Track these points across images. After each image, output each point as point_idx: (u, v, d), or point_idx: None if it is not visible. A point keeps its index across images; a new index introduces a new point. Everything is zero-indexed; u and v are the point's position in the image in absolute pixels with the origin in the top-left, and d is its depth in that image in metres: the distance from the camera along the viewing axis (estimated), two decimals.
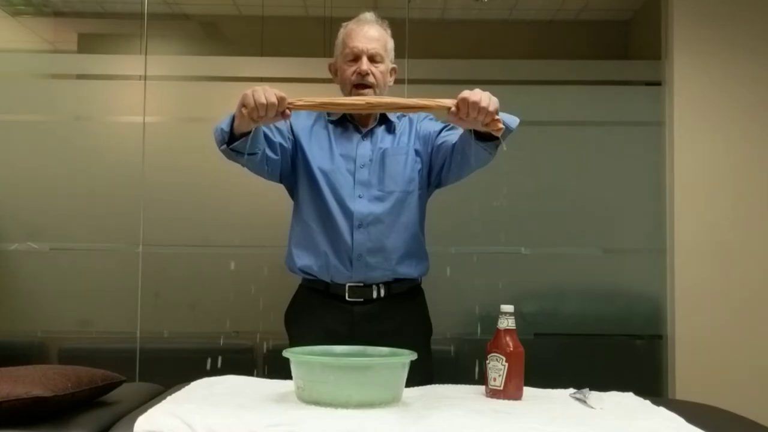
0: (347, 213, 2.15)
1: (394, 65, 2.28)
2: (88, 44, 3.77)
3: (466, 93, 1.82)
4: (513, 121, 2.00)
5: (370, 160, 2.19)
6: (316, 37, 3.51)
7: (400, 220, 2.17)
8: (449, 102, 1.87)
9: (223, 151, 2.02)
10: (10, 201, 3.34)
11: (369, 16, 2.22)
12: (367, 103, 1.93)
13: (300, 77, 3.38)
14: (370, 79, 2.16)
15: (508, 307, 1.81)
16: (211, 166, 3.36)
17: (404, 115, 2.28)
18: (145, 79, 3.38)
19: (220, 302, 3.31)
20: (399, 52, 3.38)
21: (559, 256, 3.36)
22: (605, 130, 3.43)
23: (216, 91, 3.47)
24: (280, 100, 1.82)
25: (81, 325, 3.34)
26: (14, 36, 3.79)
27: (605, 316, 3.38)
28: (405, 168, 2.21)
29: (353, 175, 2.18)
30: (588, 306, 3.39)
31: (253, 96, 1.82)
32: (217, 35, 3.87)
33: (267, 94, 1.81)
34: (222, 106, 3.42)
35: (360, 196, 2.16)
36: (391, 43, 2.25)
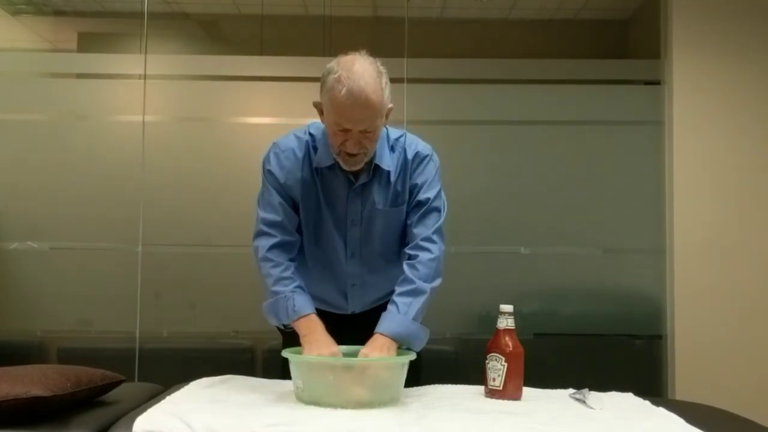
0: (339, 274, 2.04)
1: (390, 105, 1.89)
2: (88, 43, 3.78)
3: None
4: (419, 343, 1.87)
5: (361, 217, 2.00)
6: (315, 37, 3.51)
7: (396, 272, 1.96)
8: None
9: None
10: (10, 201, 3.35)
11: (360, 78, 1.78)
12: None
13: (299, 76, 3.38)
14: (359, 151, 1.88)
15: (507, 307, 1.81)
16: (211, 166, 3.38)
17: (398, 139, 2.03)
18: (144, 79, 3.38)
19: (219, 302, 3.31)
20: (398, 52, 3.39)
21: (559, 256, 3.36)
22: (605, 130, 3.42)
23: (216, 90, 3.47)
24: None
25: (80, 325, 3.34)
26: (14, 35, 3.80)
27: (605, 316, 3.38)
28: (400, 227, 2.03)
29: (344, 233, 2.01)
30: (588, 306, 3.39)
31: None
32: (216, 34, 3.87)
33: None
34: (222, 105, 3.46)
35: (352, 256, 2.02)
36: (387, 93, 1.85)
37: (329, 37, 3.54)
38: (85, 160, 3.37)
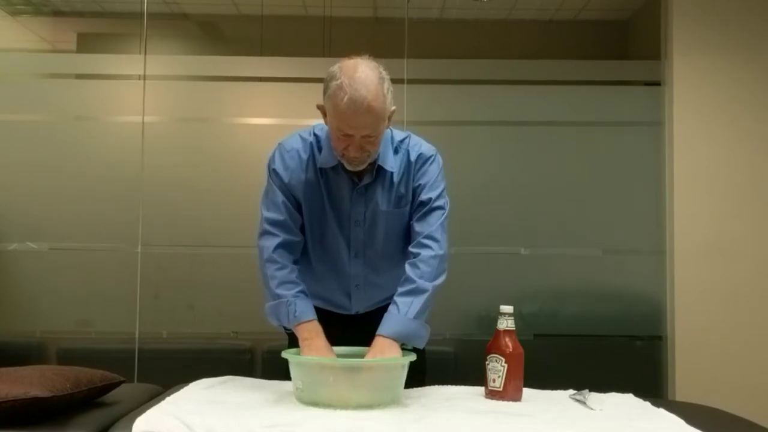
0: (343, 274, 2.04)
1: (393, 108, 1.90)
2: (87, 44, 3.77)
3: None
4: (421, 341, 1.89)
5: (364, 218, 2.00)
6: (315, 37, 3.51)
7: (401, 274, 1.95)
8: None
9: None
10: (10, 201, 3.34)
11: (362, 86, 1.77)
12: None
13: (299, 77, 3.38)
14: (361, 154, 1.89)
15: (507, 308, 1.81)
16: (210, 167, 3.38)
17: (403, 141, 2.03)
18: (144, 79, 3.38)
19: (219, 303, 3.31)
20: (398, 52, 3.38)
21: (558, 257, 3.36)
22: (605, 131, 3.42)
23: (215, 90, 3.47)
24: None
25: (80, 326, 3.34)
26: (13, 36, 3.79)
27: (605, 317, 3.38)
28: (404, 229, 2.03)
29: (347, 233, 2.01)
30: (588, 307, 3.39)
31: None
32: (216, 35, 3.87)
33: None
34: (221, 106, 3.46)
35: (356, 256, 2.03)
36: (389, 98, 1.85)
37: (329, 38, 3.54)
38: (84, 161, 3.37)
